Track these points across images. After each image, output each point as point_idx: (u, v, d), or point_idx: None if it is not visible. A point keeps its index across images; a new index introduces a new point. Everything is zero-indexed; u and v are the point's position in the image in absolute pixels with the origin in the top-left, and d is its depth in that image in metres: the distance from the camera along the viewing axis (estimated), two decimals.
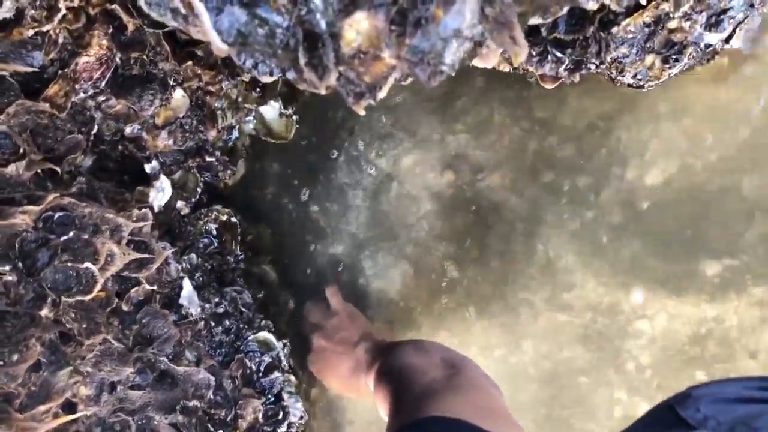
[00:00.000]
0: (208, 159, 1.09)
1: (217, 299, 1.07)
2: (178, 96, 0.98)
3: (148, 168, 1.03)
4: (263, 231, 1.22)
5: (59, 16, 0.78)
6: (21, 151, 0.87)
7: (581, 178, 1.04)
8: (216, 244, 1.13)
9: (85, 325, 0.87)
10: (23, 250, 0.84)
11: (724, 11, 0.76)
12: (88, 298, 0.86)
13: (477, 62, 0.53)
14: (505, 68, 0.78)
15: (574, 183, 1.04)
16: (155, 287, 0.95)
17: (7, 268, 0.83)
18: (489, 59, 0.51)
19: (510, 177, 1.08)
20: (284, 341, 1.08)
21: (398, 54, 0.42)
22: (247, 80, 1.04)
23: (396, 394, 0.77)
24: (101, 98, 0.91)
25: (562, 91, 0.98)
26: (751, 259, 0.98)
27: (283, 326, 1.19)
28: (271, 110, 1.12)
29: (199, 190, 1.11)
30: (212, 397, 0.96)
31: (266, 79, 0.48)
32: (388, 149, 1.14)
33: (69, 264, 0.85)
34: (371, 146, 1.15)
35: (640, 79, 0.80)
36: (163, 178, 1.03)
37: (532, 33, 0.73)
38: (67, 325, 0.86)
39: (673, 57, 0.77)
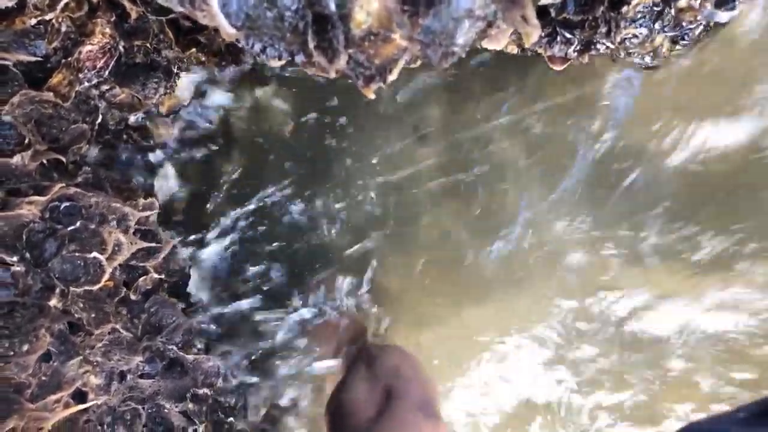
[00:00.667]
0: (213, 147, 1.08)
1: (224, 287, 1.07)
2: (183, 83, 0.97)
3: (153, 157, 1.02)
4: (262, 221, 1.21)
5: (62, 4, 0.77)
6: (26, 141, 0.86)
7: None
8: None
9: (93, 315, 0.86)
10: (30, 240, 0.84)
11: None
12: (96, 287, 0.86)
13: (487, 44, 0.52)
14: (513, 50, 0.77)
15: None
16: (163, 276, 0.95)
17: (15, 258, 0.83)
18: (499, 40, 0.50)
19: None
20: None
21: (410, 35, 0.42)
22: (250, 68, 1.04)
23: None
24: (105, 87, 0.90)
25: None
26: None
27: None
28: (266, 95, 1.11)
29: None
30: (222, 384, 0.96)
31: (274, 64, 0.47)
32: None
33: (76, 254, 0.85)
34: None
35: (648, 60, 0.79)
36: (168, 166, 1.03)
37: (541, 14, 0.71)
38: (76, 315, 0.85)
39: (682, 37, 0.76)
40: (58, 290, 0.84)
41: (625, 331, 1.11)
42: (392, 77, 0.44)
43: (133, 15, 0.84)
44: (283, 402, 1.02)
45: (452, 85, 1.07)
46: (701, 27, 0.81)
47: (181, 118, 1.00)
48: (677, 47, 0.77)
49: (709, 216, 1.02)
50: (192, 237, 1.06)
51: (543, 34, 0.73)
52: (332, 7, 0.43)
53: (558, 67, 0.75)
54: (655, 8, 0.76)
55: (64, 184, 0.86)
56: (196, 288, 1.02)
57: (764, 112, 0.93)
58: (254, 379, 1.00)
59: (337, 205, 1.16)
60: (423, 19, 0.41)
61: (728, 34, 0.87)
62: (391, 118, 1.11)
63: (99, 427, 0.88)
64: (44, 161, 0.87)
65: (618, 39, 0.72)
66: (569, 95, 1.01)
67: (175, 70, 0.92)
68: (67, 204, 0.86)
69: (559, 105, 1.04)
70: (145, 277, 0.93)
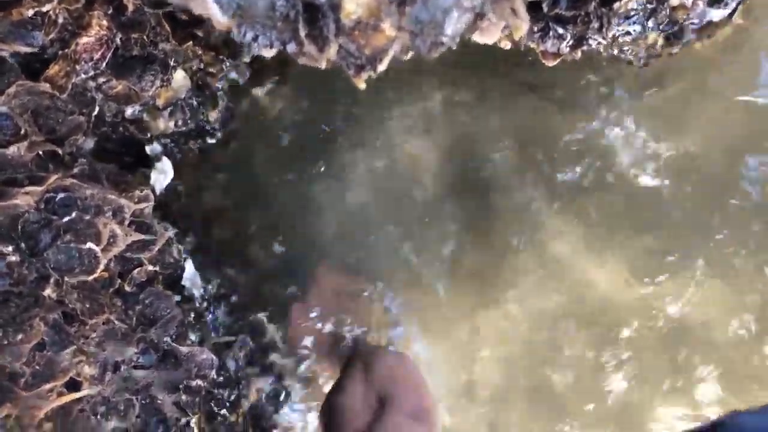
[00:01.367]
0: (209, 141, 1.09)
1: (218, 280, 1.07)
2: (179, 77, 0.98)
3: (149, 150, 1.03)
4: (258, 211, 1.21)
5: None
6: (22, 132, 0.87)
7: None
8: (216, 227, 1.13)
9: (88, 305, 0.87)
10: (26, 230, 0.84)
11: None
12: (91, 278, 0.86)
13: (478, 37, 0.53)
14: (507, 45, 0.78)
15: None
16: (157, 268, 0.96)
17: (10, 248, 0.83)
18: (490, 33, 0.51)
19: None
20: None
21: (399, 24, 0.42)
22: (248, 62, 1.04)
23: None
24: (102, 79, 0.91)
25: None
26: None
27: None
28: (263, 89, 1.11)
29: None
30: (215, 376, 0.96)
31: (266, 53, 0.48)
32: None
33: (72, 244, 0.86)
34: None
35: (641, 58, 0.80)
36: (165, 159, 1.03)
37: (533, 9, 0.72)
38: (71, 305, 0.86)
39: (675, 35, 0.77)
40: (52, 280, 0.85)
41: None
42: (382, 67, 0.44)
43: (130, 7, 0.85)
44: (278, 393, 1.03)
45: None
46: (695, 25, 0.82)
47: (177, 111, 1.00)
48: (671, 45, 0.78)
49: None
50: (187, 230, 1.07)
51: (536, 30, 0.73)
52: None
53: (550, 63, 0.76)
54: (649, 5, 0.77)
55: (59, 176, 0.87)
56: (191, 281, 1.02)
57: None
58: (249, 372, 1.01)
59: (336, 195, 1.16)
60: (410, 8, 0.41)
61: None
62: None
63: (92, 417, 0.89)
64: (40, 152, 0.88)
65: (610, 35, 0.72)
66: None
67: (172, 63, 0.92)
68: (63, 195, 0.87)
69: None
70: (139, 268, 0.93)
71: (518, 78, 1.06)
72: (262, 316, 1.07)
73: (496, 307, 1.12)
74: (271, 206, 1.20)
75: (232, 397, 0.98)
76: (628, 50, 0.79)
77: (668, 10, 0.79)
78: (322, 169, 1.16)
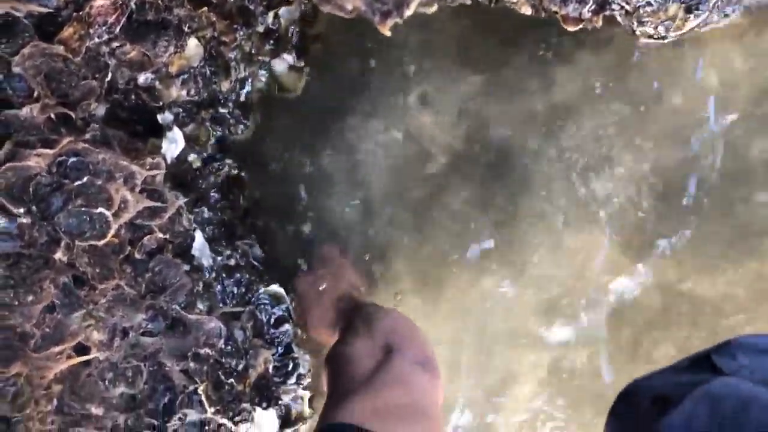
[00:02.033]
0: (221, 111, 1.08)
1: (228, 252, 1.07)
2: (192, 45, 0.97)
3: (161, 119, 1.02)
4: (272, 187, 1.21)
5: None
6: (35, 94, 0.86)
7: None
8: (227, 199, 1.13)
9: (98, 270, 0.87)
10: (37, 193, 0.84)
11: None
12: (101, 243, 0.86)
13: None
14: (527, 11, 0.77)
15: None
16: (167, 236, 0.96)
17: (22, 210, 0.83)
18: None
19: None
20: (293, 295, 1.09)
21: None
22: (261, 31, 1.04)
23: (329, 387, 0.82)
24: (116, 44, 0.90)
25: None
26: None
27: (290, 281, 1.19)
28: (282, 63, 1.11)
29: (211, 143, 1.11)
30: (223, 346, 0.96)
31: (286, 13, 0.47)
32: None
33: (83, 209, 0.85)
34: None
35: (661, 30, 0.79)
36: (176, 129, 1.03)
37: None
38: (81, 269, 0.86)
39: (696, 6, 0.76)
40: (63, 243, 0.85)
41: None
42: (409, 12, 0.44)
43: None
44: (285, 364, 1.03)
45: None
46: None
47: (190, 80, 0.99)
48: (691, 17, 0.77)
49: None
50: (197, 199, 1.07)
51: None
52: None
53: (571, 28, 0.75)
54: None
55: (72, 139, 0.87)
56: (200, 251, 1.02)
57: None
58: (256, 342, 1.00)
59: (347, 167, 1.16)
60: None
61: None
62: None
63: (101, 382, 0.89)
64: (52, 115, 0.88)
65: (633, 2, 0.71)
66: None
67: (186, 29, 0.92)
68: (75, 159, 0.87)
69: None
70: (149, 236, 0.93)
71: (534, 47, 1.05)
72: (271, 288, 1.06)
73: (503, 279, 1.12)
74: (282, 182, 1.20)
75: (240, 367, 0.98)
76: (647, 22, 0.78)
77: None
78: (335, 145, 1.16)
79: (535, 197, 1.10)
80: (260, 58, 1.06)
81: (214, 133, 1.11)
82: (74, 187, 0.86)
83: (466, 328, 1.15)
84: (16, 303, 0.80)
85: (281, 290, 1.07)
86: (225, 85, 1.04)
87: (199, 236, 1.02)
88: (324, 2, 0.45)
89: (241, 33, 0.99)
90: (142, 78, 0.97)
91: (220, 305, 1.02)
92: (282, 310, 1.07)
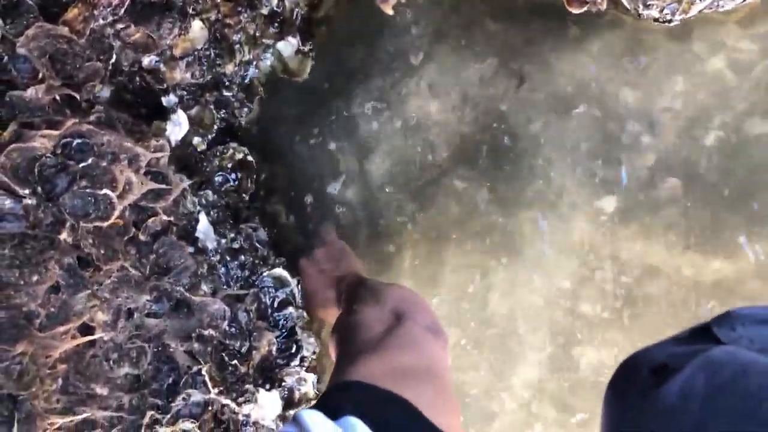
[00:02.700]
0: (226, 94, 1.08)
1: (232, 235, 1.07)
2: (197, 27, 0.97)
3: (165, 101, 1.02)
4: (277, 170, 1.22)
5: None
6: (40, 75, 0.87)
7: None
8: (232, 182, 1.13)
9: (103, 251, 0.87)
10: (42, 174, 0.85)
11: None
12: (106, 224, 0.87)
13: None
14: None
15: None
16: (172, 219, 0.96)
17: (27, 191, 0.84)
18: None
19: None
20: (298, 278, 1.09)
21: None
22: (266, 14, 1.03)
23: (339, 353, 0.81)
24: (120, 26, 0.91)
25: None
26: None
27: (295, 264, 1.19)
28: (287, 47, 1.11)
29: (215, 126, 1.11)
30: (227, 328, 0.97)
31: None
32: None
33: (87, 190, 0.86)
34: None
35: (667, 13, 0.78)
36: (180, 112, 1.03)
37: None
38: (86, 250, 0.86)
39: None
40: (68, 224, 0.85)
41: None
42: None
43: None
44: (288, 346, 1.04)
45: None
46: None
47: (194, 62, 0.99)
48: (698, 0, 0.77)
49: None
50: (202, 182, 1.07)
51: None
52: None
53: (576, 10, 0.75)
54: None
55: (76, 120, 0.87)
56: (204, 233, 1.03)
57: None
58: (260, 324, 1.01)
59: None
60: None
61: None
62: None
63: (105, 363, 0.89)
64: (57, 97, 0.88)
65: None
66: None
67: (190, 12, 0.92)
68: (80, 140, 0.87)
69: None
70: (154, 218, 0.94)
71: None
72: (275, 271, 1.07)
73: (505, 265, 1.12)
74: (286, 164, 1.20)
75: (243, 349, 0.98)
76: (653, 5, 0.78)
77: None
78: (339, 128, 1.16)
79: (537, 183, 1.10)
80: (264, 40, 1.06)
81: (219, 115, 1.11)
82: (79, 168, 0.86)
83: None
84: (22, 283, 0.81)
85: (285, 273, 1.07)
86: (229, 68, 1.04)
87: (203, 219, 1.02)
88: None
89: (246, 15, 0.99)
90: (147, 60, 0.97)
91: (224, 287, 1.03)
92: (285, 293, 1.07)
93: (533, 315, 1.10)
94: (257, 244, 1.10)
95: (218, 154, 1.11)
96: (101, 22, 0.88)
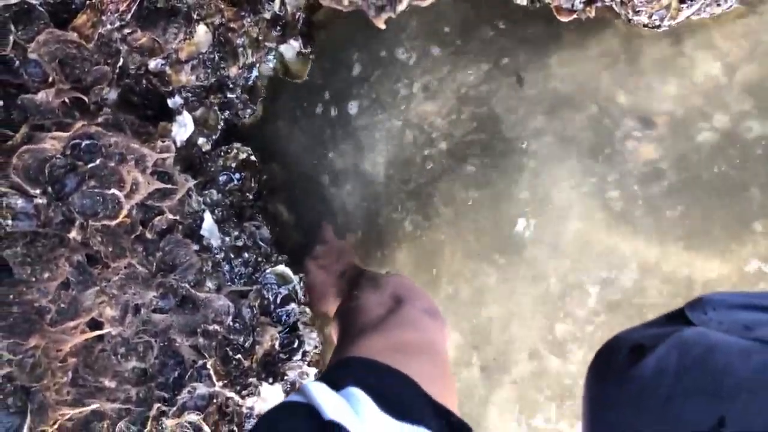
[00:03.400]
0: (229, 95, 1.11)
1: (236, 233, 1.10)
2: (201, 31, 1.00)
3: (171, 103, 1.05)
4: (278, 170, 1.25)
5: None
6: (50, 79, 0.90)
7: None
8: (235, 181, 1.16)
9: (111, 249, 0.90)
10: (53, 175, 0.88)
11: None
12: (114, 223, 0.90)
13: None
14: (522, 1, 0.79)
15: None
16: (177, 217, 0.99)
17: (38, 191, 0.87)
18: None
19: None
20: (300, 275, 1.12)
21: None
22: (268, 18, 1.06)
23: (340, 337, 0.84)
24: (127, 31, 0.93)
25: None
26: None
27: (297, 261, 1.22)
28: (290, 49, 1.14)
29: (219, 127, 1.14)
30: (231, 323, 1.00)
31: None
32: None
33: (96, 190, 0.89)
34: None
35: (656, 19, 0.81)
36: (185, 113, 1.06)
37: None
38: (94, 247, 0.89)
39: None
40: (77, 223, 0.88)
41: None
42: (401, 7, 0.46)
43: None
44: (291, 341, 1.07)
45: None
46: None
47: (199, 65, 1.02)
48: (684, 7, 0.79)
49: None
50: (207, 182, 1.10)
51: None
52: None
53: (564, 19, 0.77)
54: None
55: (85, 123, 0.90)
56: (209, 232, 1.06)
57: None
58: (263, 320, 1.04)
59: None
60: None
61: None
62: None
63: (113, 357, 0.93)
64: (66, 100, 0.91)
65: None
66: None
67: (195, 16, 0.94)
68: (88, 142, 0.90)
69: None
70: (160, 217, 0.97)
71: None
72: (278, 268, 1.10)
73: (499, 266, 1.14)
74: (288, 165, 1.22)
75: (247, 344, 1.01)
76: (642, 12, 0.80)
77: None
78: (340, 129, 1.19)
79: (532, 182, 1.12)
80: (267, 44, 1.09)
81: (223, 116, 1.14)
82: (87, 168, 0.89)
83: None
84: (33, 279, 0.84)
85: (287, 270, 1.10)
86: (233, 71, 1.07)
87: (208, 217, 1.05)
88: None
89: (249, 19, 1.01)
90: (153, 63, 0.99)
91: (229, 284, 1.06)
92: (288, 290, 1.10)
93: (527, 316, 1.13)
94: (260, 242, 1.12)
95: (222, 154, 1.14)
96: (109, 27, 0.90)
